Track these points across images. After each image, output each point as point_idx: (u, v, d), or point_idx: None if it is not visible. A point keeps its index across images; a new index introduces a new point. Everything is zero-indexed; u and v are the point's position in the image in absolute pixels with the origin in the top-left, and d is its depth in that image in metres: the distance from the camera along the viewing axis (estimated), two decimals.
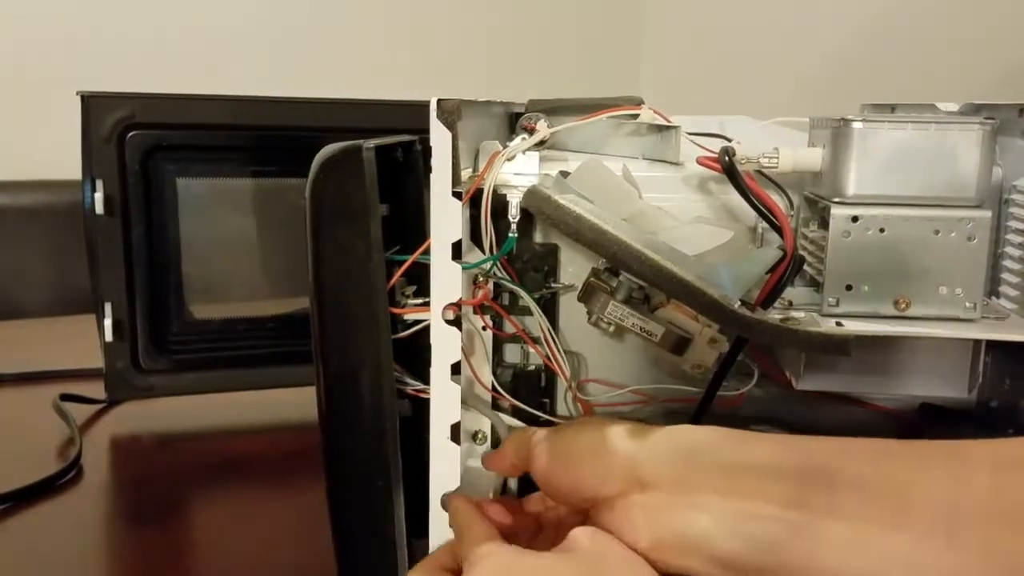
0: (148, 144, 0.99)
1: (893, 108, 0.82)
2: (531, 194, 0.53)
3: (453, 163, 0.52)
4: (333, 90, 1.05)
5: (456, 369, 0.54)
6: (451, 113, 0.52)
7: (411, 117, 1.04)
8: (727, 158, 0.56)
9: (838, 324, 0.54)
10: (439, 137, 0.52)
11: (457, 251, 0.53)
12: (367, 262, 0.52)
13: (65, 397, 1.04)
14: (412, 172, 0.57)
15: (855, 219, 0.55)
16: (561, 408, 0.70)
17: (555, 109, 0.71)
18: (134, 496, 0.87)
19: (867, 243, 0.55)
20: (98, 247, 0.98)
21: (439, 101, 0.52)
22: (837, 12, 1.47)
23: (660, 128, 0.68)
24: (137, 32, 1.87)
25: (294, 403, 1.03)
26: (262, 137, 1.05)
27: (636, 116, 0.69)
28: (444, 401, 0.55)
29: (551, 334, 0.64)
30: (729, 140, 0.70)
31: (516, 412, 0.66)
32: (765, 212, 0.54)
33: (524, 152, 0.59)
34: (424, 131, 0.53)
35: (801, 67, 1.55)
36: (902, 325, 0.56)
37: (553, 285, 0.65)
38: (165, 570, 0.73)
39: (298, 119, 1.04)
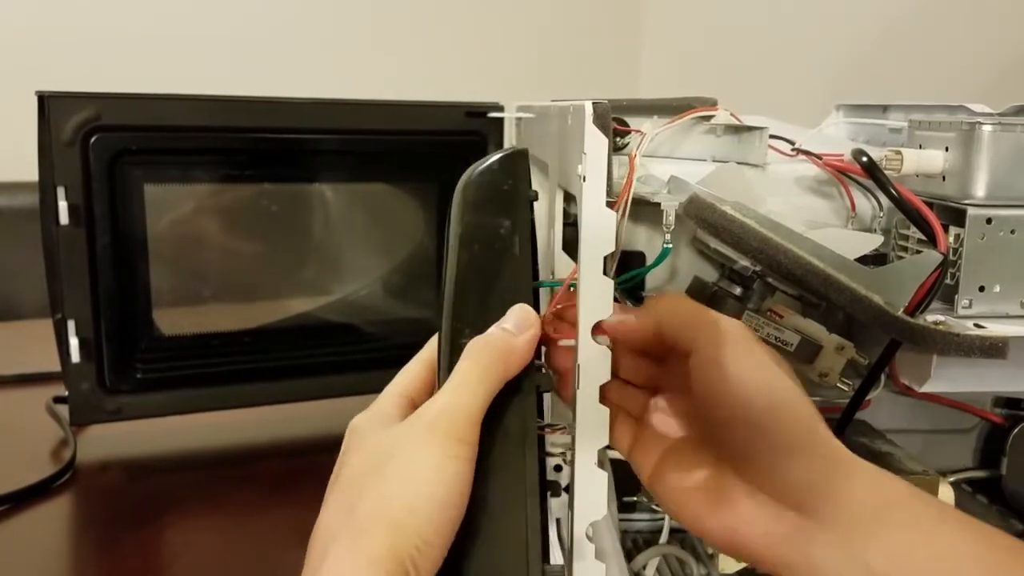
0: (115, 148, 0.91)
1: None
2: (693, 202, 0.50)
3: (608, 172, 0.49)
4: (314, 90, 0.99)
5: (604, 393, 0.51)
6: (606, 118, 0.49)
7: (399, 118, 1.02)
8: (865, 159, 0.54)
9: (977, 326, 0.54)
10: (594, 144, 0.48)
11: (608, 266, 0.50)
12: (513, 238, 0.49)
13: (59, 400, 1.01)
14: None
15: (989, 221, 0.55)
16: None
17: (624, 109, 0.68)
18: (130, 497, 0.86)
19: (999, 244, 0.55)
20: (61, 260, 0.90)
21: (594, 105, 0.48)
22: (838, 12, 1.49)
23: (740, 129, 0.66)
24: (101, 26, 1.74)
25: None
26: (238, 140, 0.97)
27: (711, 117, 0.67)
28: (592, 427, 0.51)
29: None
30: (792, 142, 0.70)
31: None
32: (915, 215, 0.53)
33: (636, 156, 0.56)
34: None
35: (801, 67, 1.57)
36: None
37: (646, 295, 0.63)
38: (162, 571, 0.73)
39: (277, 120, 0.98)
